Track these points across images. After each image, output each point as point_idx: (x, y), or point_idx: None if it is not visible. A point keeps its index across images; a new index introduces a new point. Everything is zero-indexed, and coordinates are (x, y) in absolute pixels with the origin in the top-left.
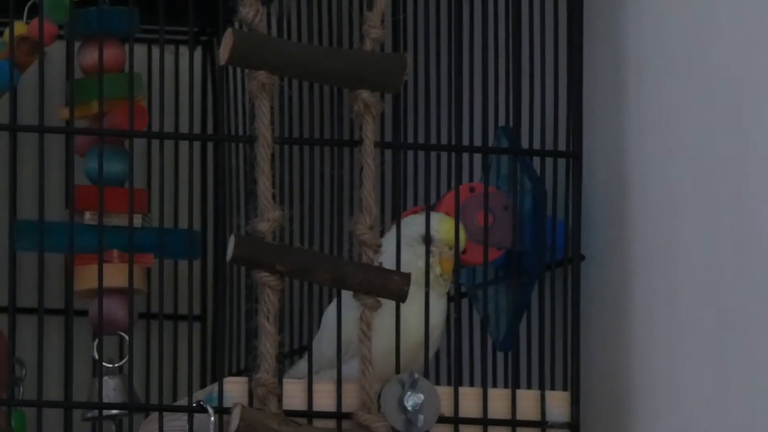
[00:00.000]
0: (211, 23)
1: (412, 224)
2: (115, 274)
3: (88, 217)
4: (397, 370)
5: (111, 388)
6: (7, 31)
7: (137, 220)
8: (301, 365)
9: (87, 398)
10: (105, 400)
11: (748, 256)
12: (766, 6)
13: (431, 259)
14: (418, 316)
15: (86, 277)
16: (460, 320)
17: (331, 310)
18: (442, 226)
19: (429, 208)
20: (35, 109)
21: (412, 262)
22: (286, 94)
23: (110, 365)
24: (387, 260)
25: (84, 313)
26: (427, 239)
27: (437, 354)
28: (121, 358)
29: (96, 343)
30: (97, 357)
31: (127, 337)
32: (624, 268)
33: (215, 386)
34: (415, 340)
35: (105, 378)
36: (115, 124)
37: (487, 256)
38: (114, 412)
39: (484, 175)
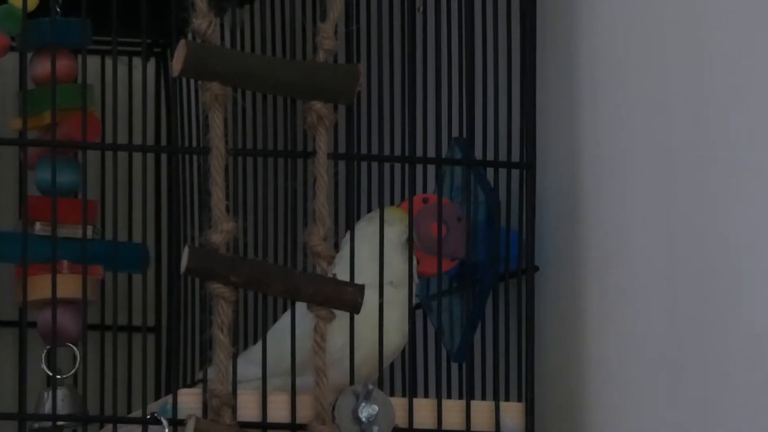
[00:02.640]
0: (164, 34)
1: (391, 230)
2: (65, 286)
3: (39, 228)
4: (351, 381)
5: (59, 400)
6: None
7: (88, 232)
8: (248, 368)
9: (34, 410)
10: (51, 411)
11: (702, 267)
12: (719, 17)
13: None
14: (400, 322)
15: (36, 288)
16: (414, 331)
17: (280, 324)
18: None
19: (382, 220)
20: None
21: (397, 266)
22: (240, 106)
23: (59, 376)
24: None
25: (33, 324)
26: (410, 245)
27: (392, 364)
28: (71, 370)
29: (45, 354)
30: (45, 368)
31: (76, 349)
32: (578, 279)
33: (169, 397)
34: (398, 344)
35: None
36: (68, 135)
37: (441, 267)
38: (60, 423)
39: (438, 186)
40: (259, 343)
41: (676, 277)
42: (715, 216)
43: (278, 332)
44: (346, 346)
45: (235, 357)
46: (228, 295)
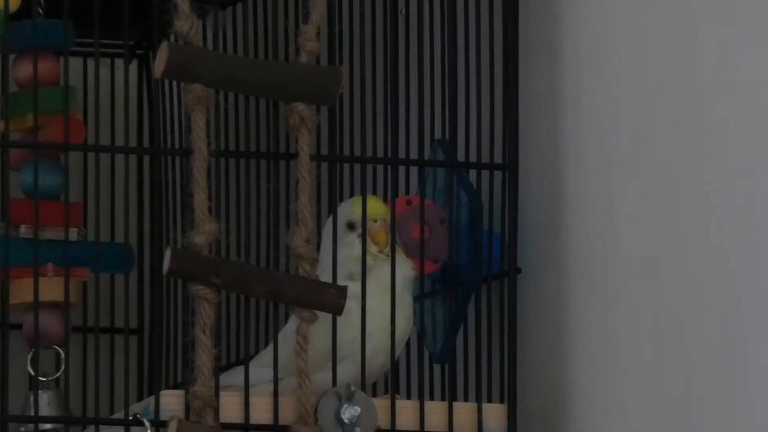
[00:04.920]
0: (147, 36)
1: (333, 220)
2: (50, 288)
3: (24, 231)
4: (334, 383)
5: (46, 403)
6: None
7: (72, 234)
8: (261, 371)
9: (21, 412)
10: (39, 414)
11: (686, 269)
12: (702, 20)
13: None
14: (386, 308)
15: (21, 291)
16: (394, 333)
17: (289, 326)
18: (355, 206)
19: (365, 222)
20: None
21: (349, 255)
22: (222, 107)
23: (45, 379)
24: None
25: (19, 326)
26: (364, 237)
27: None
28: (57, 372)
29: (30, 356)
30: (31, 371)
31: (62, 351)
32: (561, 281)
33: (152, 399)
34: (387, 332)
35: (39, 392)
36: (51, 138)
37: (423, 269)
38: (49, 426)
39: (420, 188)
40: (270, 347)
41: (660, 279)
42: (699, 217)
43: (287, 333)
44: (357, 339)
45: (218, 359)
46: (210, 296)
